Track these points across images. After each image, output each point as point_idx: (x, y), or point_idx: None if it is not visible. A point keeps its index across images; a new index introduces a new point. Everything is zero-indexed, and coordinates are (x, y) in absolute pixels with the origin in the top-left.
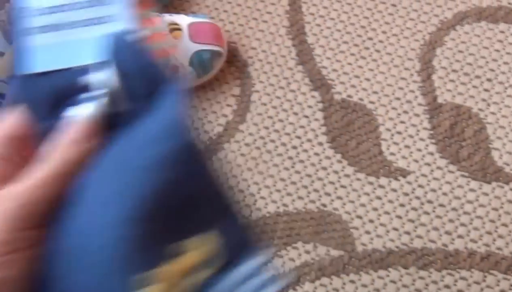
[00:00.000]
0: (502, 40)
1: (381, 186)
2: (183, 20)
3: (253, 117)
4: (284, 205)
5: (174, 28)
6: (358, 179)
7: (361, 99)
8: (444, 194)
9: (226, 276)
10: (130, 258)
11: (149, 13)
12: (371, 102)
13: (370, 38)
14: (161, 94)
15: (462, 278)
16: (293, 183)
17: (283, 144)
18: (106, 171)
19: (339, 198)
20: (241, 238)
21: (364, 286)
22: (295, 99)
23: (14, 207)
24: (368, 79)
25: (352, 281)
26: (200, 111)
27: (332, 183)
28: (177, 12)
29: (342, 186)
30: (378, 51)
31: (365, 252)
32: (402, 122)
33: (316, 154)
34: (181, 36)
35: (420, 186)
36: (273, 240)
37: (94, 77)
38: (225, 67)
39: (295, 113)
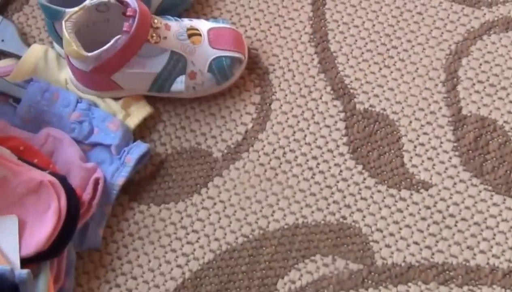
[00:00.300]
0: None
1: (402, 199)
2: (203, 25)
3: (273, 126)
4: (303, 216)
5: (194, 33)
6: (379, 191)
7: (384, 109)
8: (467, 208)
9: None
10: None
11: None
12: (394, 112)
13: (395, 47)
14: None
15: None
16: (313, 194)
17: (303, 154)
18: None
19: (359, 210)
20: None
21: None
22: (316, 108)
23: None
24: (391, 89)
25: None
26: (219, 119)
27: (352, 194)
28: (198, 17)
29: (363, 198)
30: (402, 60)
31: (384, 266)
32: (425, 133)
33: (337, 165)
34: (200, 42)
35: (442, 199)
36: (291, 252)
37: None
38: (246, 74)
39: (316, 123)
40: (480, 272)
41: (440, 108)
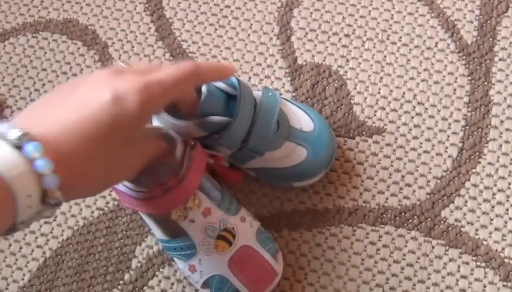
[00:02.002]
0: None
1: None
2: (247, 234)
3: None
4: None
5: (225, 237)
6: None
7: None
8: None
9: None
10: None
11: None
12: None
13: (228, 6)
14: None
15: (332, 235)
16: None
17: None
18: None
19: None
20: None
21: None
22: None
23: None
24: (228, 48)
25: None
26: None
27: None
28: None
29: None
30: (236, 18)
31: None
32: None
33: None
34: (224, 251)
35: None
36: None
37: None
38: (85, 51)
39: None
40: (328, 214)
41: (277, 61)
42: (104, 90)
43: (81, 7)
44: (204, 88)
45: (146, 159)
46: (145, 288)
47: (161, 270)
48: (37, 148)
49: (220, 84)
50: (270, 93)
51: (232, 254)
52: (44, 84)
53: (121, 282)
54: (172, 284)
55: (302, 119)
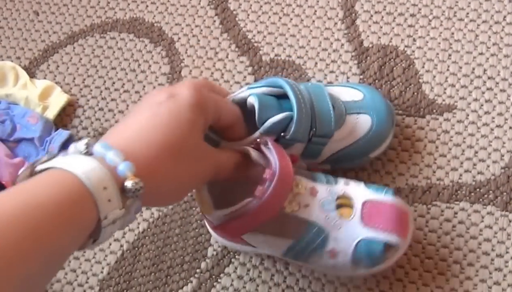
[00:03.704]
0: None
1: None
2: (359, 192)
3: None
4: None
5: (344, 203)
6: None
7: (289, 56)
8: None
9: None
10: None
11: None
12: (299, 57)
13: None
14: None
15: None
16: None
17: None
18: None
19: None
20: None
21: None
22: (224, 67)
23: None
24: (293, 36)
25: None
26: (133, 95)
27: None
28: (357, 177)
29: None
30: (300, 6)
31: None
32: (331, 72)
33: None
34: (350, 216)
35: None
36: None
37: None
38: (152, 48)
39: (226, 81)
40: (400, 194)
41: (342, 45)
42: (161, 94)
43: (147, 6)
44: (252, 99)
45: (220, 164)
46: (221, 275)
47: (237, 257)
48: (105, 146)
49: (263, 89)
50: (309, 84)
51: (360, 214)
52: (114, 83)
53: (197, 270)
54: (248, 270)
55: (350, 92)
